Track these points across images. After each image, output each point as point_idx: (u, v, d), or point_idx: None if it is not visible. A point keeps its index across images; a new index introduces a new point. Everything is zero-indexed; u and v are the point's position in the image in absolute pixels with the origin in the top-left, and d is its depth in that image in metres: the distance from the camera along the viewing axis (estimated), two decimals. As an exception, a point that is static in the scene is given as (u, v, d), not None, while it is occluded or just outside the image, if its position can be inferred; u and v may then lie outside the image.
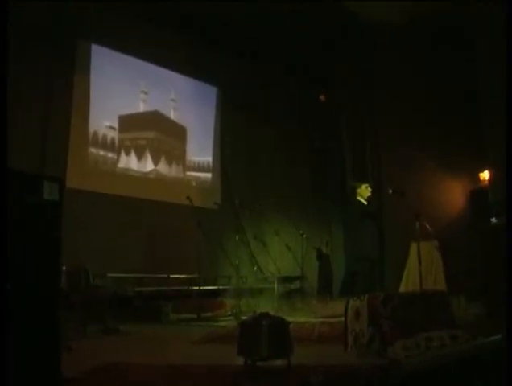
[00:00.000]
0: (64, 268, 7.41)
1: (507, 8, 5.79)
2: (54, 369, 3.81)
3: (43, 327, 3.76)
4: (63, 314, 4.89)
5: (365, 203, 8.78)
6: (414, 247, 8.79)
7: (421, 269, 8.17)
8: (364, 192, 8.82)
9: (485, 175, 11.95)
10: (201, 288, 10.15)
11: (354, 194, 8.88)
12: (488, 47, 11.25)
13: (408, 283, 9.07)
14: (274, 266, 11.96)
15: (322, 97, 15.70)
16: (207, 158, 14.49)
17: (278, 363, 4.63)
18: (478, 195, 11.87)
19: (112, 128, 12.12)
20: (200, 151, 14.36)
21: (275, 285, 11.20)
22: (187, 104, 14.07)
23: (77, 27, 11.27)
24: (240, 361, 4.68)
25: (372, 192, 8.83)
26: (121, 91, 12.46)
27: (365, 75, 14.21)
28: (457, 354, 4.49)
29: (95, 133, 11.79)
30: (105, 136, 11.95)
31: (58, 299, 4.03)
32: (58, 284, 4.14)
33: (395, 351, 4.81)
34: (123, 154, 12.34)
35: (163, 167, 13.18)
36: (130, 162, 12.47)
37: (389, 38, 12.69)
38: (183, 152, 13.89)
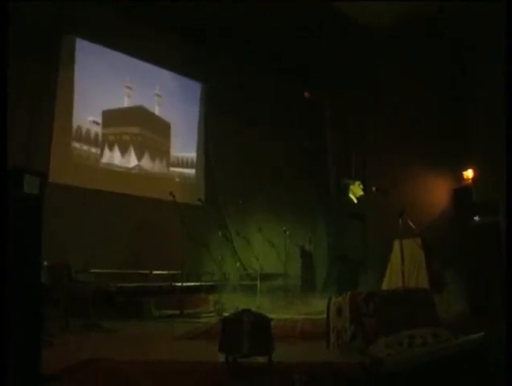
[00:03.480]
0: (45, 263, 7.40)
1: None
2: (34, 364, 3.79)
3: (23, 322, 3.73)
4: (44, 309, 4.87)
5: (356, 201, 8.78)
6: (397, 244, 8.82)
7: (404, 267, 8.20)
8: (356, 190, 8.81)
9: (469, 174, 12.02)
10: (184, 284, 10.12)
11: (347, 191, 8.87)
12: (476, 47, 11.33)
13: (391, 281, 9.09)
14: (257, 263, 11.95)
15: (306, 94, 15.68)
16: (191, 154, 14.46)
17: (260, 359, 4.63)
18: (462, 193, 11.93)
19: (96, 123, 12.06)
20: (184, 147, 14.33)
21: (258, 282, 11.20)
22: (171, 99, 14.04)
23: (62, 22, 11.20)
24: (221, 358, 4.68)
25: (364, 190, 8.83)
26: (106, 85, 12.40)
27: (350, 74, 14.22)
28: (439, 352, 4.49)
29: (79, 128, 11.73)
30: (88, 131, 11.89)
31: (39, 294, 4.00)
32: (39, 278, 4.12)
33: (377, 348, 4.82)
34: (107, 149, 12.29)
35: (146, 163, 13.14)
36: (113, 158, 12.42)
37: (377, 37, 12.70)
38: (167, 148, 13.85)
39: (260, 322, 4.70)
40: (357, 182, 8.92)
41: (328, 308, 5.78)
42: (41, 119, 10.84)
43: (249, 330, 4.51)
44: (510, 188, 5.01)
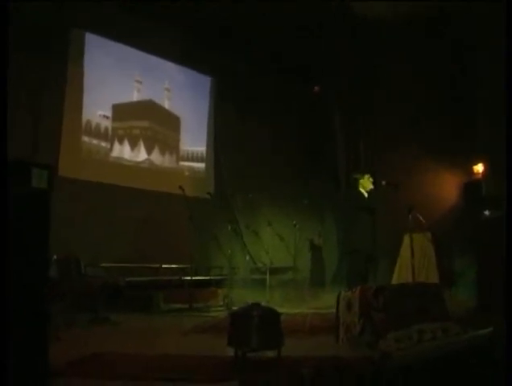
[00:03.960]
0: (55, 257, 7.40)
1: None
2: (42, 359, 3.79)
3: (30, 317, 3.73)
4: (53, 303, 4.86)
5: (366, 195, 8.73)
6: (407, 239, 8.78)
7: (414, 261, 8.17)
8: (366, 183, 8.74)
9: (479, 168, 11.96)
10: (193, 278, 10.11)
11: (356, 185, 8.81)
12: (482, 46, 11.29)
13: (400, 275, 9.06)
14: (266, 256, 11.92)
15: (316, 88, 15.63)
16: (200, 147, 14.47)
17: (269, 354, 4.61)
18: (472, 187, 11.87)
19: (105, 117, 12.08)
20: (194, 141, 14.33)
21: (267, 276, 11.18)
22: (181, 93, 14.03)
23: (71, 16, 11.20)
24: (230, 352, 4.66)
25: (373, 184, 8.76)
26: (115, 80, 12.41)
27: (359, 73, 14.17)
28: (449, 346, 4.47)
29: (88, 122, 11.75)
30: (98, 125, 11.91)
31: (46, 288, 3.99)
32: (46, 273, 4.11)
33: (387, 343, 4.80)
34: (116, 143, 12.31)
35: (156, 157, 13.15)
36: (123, 152, 12.44)
37: (385, 36, 12.65)
38: (177, 141, 13.86)
39: (269, 317, 4.67)
40: (367, 176, 8.87)
41: (338, 302, 5.76)
42: (50, 114, 10.85)
43: (258, 325, 4.48)
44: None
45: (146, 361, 4.85)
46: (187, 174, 13.97)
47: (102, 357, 4.97)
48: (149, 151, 12.96)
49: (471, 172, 12.10)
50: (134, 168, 12.62)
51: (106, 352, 5.19)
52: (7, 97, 3.79)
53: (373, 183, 8.81)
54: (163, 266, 11.45)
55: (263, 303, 5.06)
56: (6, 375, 3.35)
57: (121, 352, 5.26)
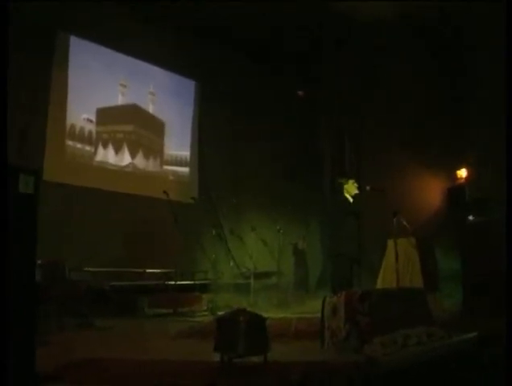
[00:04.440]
0: (39, 261, 7.36)
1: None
2: (29, 364, 3.77)
3: (18, 322, 3.71)
4: (38, 308, 4.84)
5: (351, 200, 8.77)
6: (391, 244, 8.82)
7: (398, 266, 8.21)
8: (351, 189, 8.80)
9: (462, 173, 12.04)
10: (177, 282, 10.11)
11: (341, 190, 8.85)
12: (473, 46, 11.37)
13: (385, 279, 9.10)
14: (250, 261, 11.93)
15: (300, 93, 15.67)
16: (185, 152, 14.45)
17: (255, 359, 4.62)
18: (455, 192, 11.96)
19: (90, 121, 12.05)
20: (178, 145, 14.32)
21: (251, 280, 11.18)
22: (165, 97, 14.03)
23: (57, 19, 11.15)
24: (216, 357, 4.67)
25: (358, 189, 8.81)
26: (100, 83, 12.38)
27: (346, 74, 14.24)
28: (434, 351, 4.51)
29: (72, 126, 11.72)
30: (82, 129, 11.88)
31: (35, 294, 3.98)
32: (34, 278, 4.09)
33: (372, 347, 4.82)
34: (100, 147, 12.28)
35: (140, 161, 13.13)
36: (107, 156, 12.41)
37: (372, 37, 12.73)
38: (161, 146, 13.85)
39: (256, 322, 4.68)
40: (352, 181, 8.93)
41: (323, 307, 5.77)
42: (35, 117, 10.80)
43: (244, 330, 4.49)
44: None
45: (133, 366, 4.84)
46: (171, 178, 13.96)
47: (90, 362, 4.95)
48: (133, 155, 12.94)
49: (454, 177, 12.19)
50: (118, 172, 12.59)
51: (94, 358, 5.17)
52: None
53: (358, 188, 8.86)
54: (147, 271, 11.43)
55: (247, 308, 5.07)
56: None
57: (109, 357, 5.24)
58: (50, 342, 5.70)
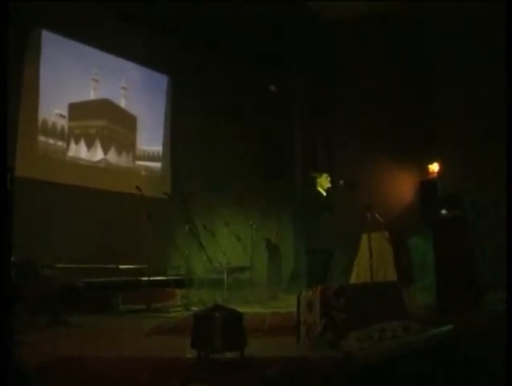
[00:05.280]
0: (11, 259, 7.31)
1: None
2: (8, 364, 3.75)
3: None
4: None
5: (324, 193, 8.78)
6: (365, 238, 8.88)
7: (372, 261, 8.27)
8: (324, 182, 8.78)
9: (434, 167, 12.18)
10: (150, 278, 10.08)
11: (314, 184, 8.85)
12: (439, 35, 11.46)
13: (359, 274, 9.17)
14: (223, 256, 11.93)
15: (272, 88, 15.69)
16: (157, 147, 14.41)
17: (232, 355, 4.64)
18: (428, 186, 12.09)
19: (62, 116, 11.95)
20: (151, 140, 14.27)
21: (225, 276, 11.20)
22: (137, 92, 13.96)
23: (28, 13, 11.02)
24: (193, 353, 4.67)
25: (331, 182, 8.82)
26: (72, 78, 12.26)
27: (318, 65, 14.31)
28: (410, 345, 4.56)
29: (44, 121, 11.61)
30: (54, 124, 11.77)
31: (10, 292, 3.96)
32: (9, 277, 4.07)
33: (349, 342, 4.86)
34: (73, 143, 12.19)
35: (112, 156, 13.07)
36: (79, 151, 12.32)
37: (344, 28, 12.83)
38: (133, 141, 13.79)
39: (232, 318, 4.69)
40: (325, 175, 8.92)
41: (299, 302, 5.79)
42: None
43: (221, 326, 4.50)
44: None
45: (109, 364, 4.83)
46: (143, 173, 13.91)
47: (64, 361, 4.92)
48: (105, 151, 12.87)
49: (426, 172, 12.31)
50: (91, 168, 12.52)
51: (67, 356, 5.13)
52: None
53: (331, 182, 8.88)
54: (120, 267, 11.38)
55: (220, 302, 5.08)
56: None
57: (84, 355, 5.21)
58: (24, 342, 5.64)
